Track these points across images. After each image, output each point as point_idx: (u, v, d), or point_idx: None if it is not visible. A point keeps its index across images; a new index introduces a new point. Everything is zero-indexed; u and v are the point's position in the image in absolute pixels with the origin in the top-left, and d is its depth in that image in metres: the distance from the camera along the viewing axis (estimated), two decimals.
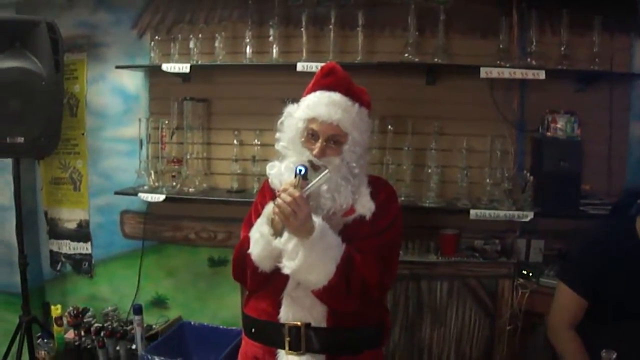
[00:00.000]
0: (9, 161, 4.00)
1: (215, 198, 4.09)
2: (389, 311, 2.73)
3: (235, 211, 4.03)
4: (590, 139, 3.69)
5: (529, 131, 3.85)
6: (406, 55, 3.71)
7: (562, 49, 3.65)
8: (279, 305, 2.37)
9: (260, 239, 2.31)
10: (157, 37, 4.21)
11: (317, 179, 2.22)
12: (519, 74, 3.53)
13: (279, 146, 2.52)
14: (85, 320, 4.42)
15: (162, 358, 3.61)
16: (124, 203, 4.51)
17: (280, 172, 2.44)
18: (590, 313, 2.67)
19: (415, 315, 3.70)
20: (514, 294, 3.58)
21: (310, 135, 2.41)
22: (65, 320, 4.29)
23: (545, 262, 3.82)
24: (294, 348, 2.33)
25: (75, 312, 4.42)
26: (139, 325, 4.03)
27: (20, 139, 3.74)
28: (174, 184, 4.17)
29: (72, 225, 4.71)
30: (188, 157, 4.17)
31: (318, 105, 2.41)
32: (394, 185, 2.75)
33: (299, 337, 2.32)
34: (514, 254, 3.83)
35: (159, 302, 4.57)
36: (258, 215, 2.43)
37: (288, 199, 2.13)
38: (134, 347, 4.06)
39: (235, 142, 4.15)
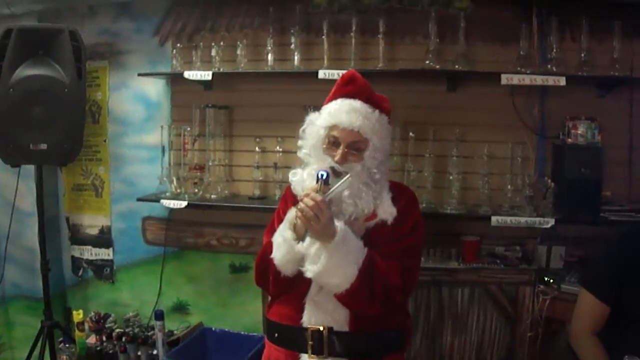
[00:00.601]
0: (31, 167, 4.03)
1: (237, 205, 4.10)
2: (410, 316, 2.73)
3: (256, 218, 4.03)
4: (610, 144, 3.65)
5: (550, 137, 3.83)
6: (427, 62, 3.71)
7: (582, 54, 3.63)
8: (301, 310, 2.39)
9: (283, 243, 2.34)
10: (178, 45, 4.23)
11: (339, 183, 2.26)
12: (539, 80, 3.51)
13: (301, 153, 2.57)
14: (106, 325, 4.45)
15: None
16: (146, 209, 4.53)
17: (303, 179, 2.47)
18: (612, 319, 2.66)
19: (436, 321, 3.71)
20: (534, 301, 3.58)
21: (332, 142, 2.44)
22: (87, 326, 4.33)
23: (566, 268, 3.78)
24: (317, 352, 2.35)
25: (97, 317, 4.46)
26: (160, 330, 4.04)
27: (43, 146, 3.78)
28: (196, 190, 4.19)
29: (93, 232, 4.73)
30: (210, 164, 4.19)
31: (339, 112, 2.45)
32: (415, 191, 2.75)
33: (321, 341, 2.34)
34: (535, 260, 3.82)
35: (180, 308, 4.58)
36: (280, 222, 2.46)
37: (310, 203, 2.16)
38: (155, 352, 4.08)
39: (257, 149, 4.16)
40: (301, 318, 2.39)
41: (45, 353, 3.97)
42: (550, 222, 3.51)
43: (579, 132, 3.62)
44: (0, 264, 4.59)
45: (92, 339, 4.34)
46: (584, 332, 2.71)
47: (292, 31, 3.96)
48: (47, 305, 4.06)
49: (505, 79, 3.51)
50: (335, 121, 2.43)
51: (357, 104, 2.47)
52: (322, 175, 2.25)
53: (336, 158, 2.39)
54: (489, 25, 3.85)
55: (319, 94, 2.72)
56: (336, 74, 3.54)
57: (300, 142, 2.58)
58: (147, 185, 4.43)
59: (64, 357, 4.14)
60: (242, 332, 4.06)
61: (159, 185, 4.29)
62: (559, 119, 3.74)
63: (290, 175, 2.57)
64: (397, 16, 3.94)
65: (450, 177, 3.77)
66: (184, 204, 4.02)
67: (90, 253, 4.76)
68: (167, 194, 4.19)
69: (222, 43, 4.12)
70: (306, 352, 2.37)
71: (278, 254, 2.35)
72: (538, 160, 3.85)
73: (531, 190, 3.68)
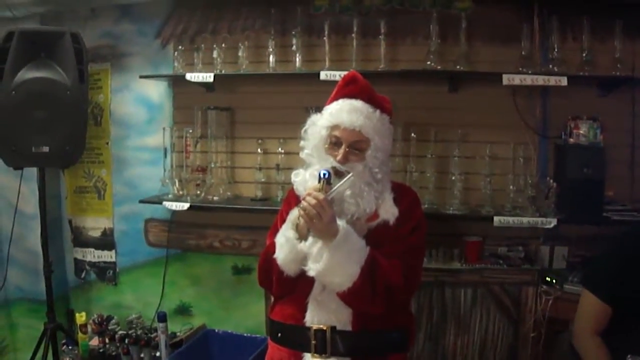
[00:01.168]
0: (34, 170, 4.04)
1: (239, 206, 4.10)
2: (413, 316, 2.74)
3: (259, 219, 4.04)
4: (612, 144, 3.65)
5: (552, 138, 3.83)
6: (428, 63, 3.71)
7: (584, 54, 3.63)
8: (304, 309, 2.40)
9: (285, 243, 2.35)
10: (180, 47, 4.24)
11: (341, 182, 2.27)
12: (541, 80, 3.51)
13: (303, 154, 2.58)
14: (109, 327, 4.46)
15: None
16: (148, 211, 4.53)
17: (305, 180, 2.48)
18: (615, 319, 2.65)
19: (439, 322, 3.71)
20: (537, 301, 3.57)
21: (334, 143, 2.46)
22: (89, 328, 4.33)
23: (568, 268, 3.78)
24: (320, 351, 2.36)
25: (99, 319, 4.47)
26: (163, 332, 4.04)
27: (45, 149, 3.79)
28: (198, 192, 4.20)
29: (96, 234, 4.75)
30: (212, 165, 4.20)
31: (340, 112, 2.46)
32: (417, 192, 2.75)
33: (324, 341, 2.35)
34: (538, 260, 3.81)
35: (183, 310, 4.58)
36: (283, 223, 2.47)
37: (313, 201, 2.17)
38: (158, 354, 4.08)
39: (259, 150, 4.16)
40: (304, 317, 2.40)
41: (49, 355, 3.97)
42: (552, 223, 3.51)
43: (581, 132, 3.62)
44: (3, 266, 4.59)
45: (95, 341, 4.33)
46: (586, 332, 2.70)
47: (293, 33, 3.96)
48: (50, 307, 4.06)
49: (506, 79, 3.51)
50: (337, 121, 2.44)
51: (358, 103, 2.48)
52: (324, 175, 2.26)
53: (338, 158, 2.40)
54: (490, 26, 3.86)
55: (320, 96, 2.72)
56: (338, 75, 3.54)
57: (302, 143, 2.59)
58: (150, 187, 4.43)
59: (67, 359, 4.16)
60: (245, 334, 4.07)
61: (162, 187, 4.30)
62: (560, 119, 3.75)
63: (292, 175, 2.58)
64: (399, 17, 3.94)
65: (453, 178, 3.78)
66: (186, 205, 4.03)
67: (93, 255, 4.76)
68: (170, 195, 4.19)
69: (223, 45, 4.13)
70: (309, 352, 2.38)
71: (281, 254, 2.36)
72: (540, 160, 3.85)
73: (533, 190, 3.67)
